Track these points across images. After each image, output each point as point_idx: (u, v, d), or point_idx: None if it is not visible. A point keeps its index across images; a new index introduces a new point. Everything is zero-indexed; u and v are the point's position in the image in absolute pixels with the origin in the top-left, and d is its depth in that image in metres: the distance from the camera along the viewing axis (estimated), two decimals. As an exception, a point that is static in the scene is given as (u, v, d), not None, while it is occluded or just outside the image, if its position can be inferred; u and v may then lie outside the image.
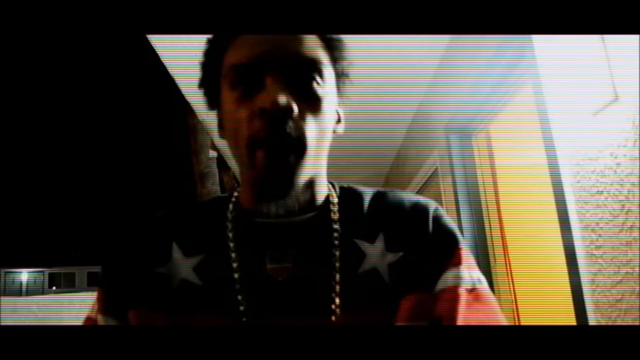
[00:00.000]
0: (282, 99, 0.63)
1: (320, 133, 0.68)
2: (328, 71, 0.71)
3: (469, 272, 0.71)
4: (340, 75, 0.77)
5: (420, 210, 0.76)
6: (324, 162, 0.75)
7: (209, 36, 0.75)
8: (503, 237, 2.48)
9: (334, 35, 0.74)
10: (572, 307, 1.40)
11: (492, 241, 2.47)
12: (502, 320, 0.68)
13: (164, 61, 2.72)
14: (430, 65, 2.81)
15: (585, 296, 1.33)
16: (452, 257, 0.71)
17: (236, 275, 0.69)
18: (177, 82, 3.02)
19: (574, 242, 1.36)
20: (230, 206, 0.76)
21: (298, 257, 0.70)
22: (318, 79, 0.68)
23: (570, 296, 1.41)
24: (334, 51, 0.74)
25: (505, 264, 2.45)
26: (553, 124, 1.46)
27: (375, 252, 0.71)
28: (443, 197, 2.84)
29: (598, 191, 1.25)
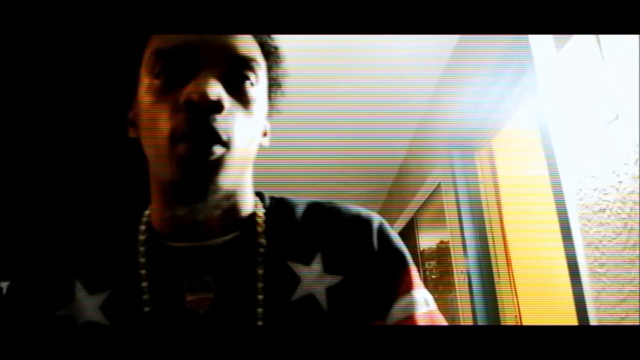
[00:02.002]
0: (213, 91, 0.55)
1: (248, 136, 0.61)
2: (262, 74, 0.65)
3: (421, 294, 0.66)
4: (272, 83, 0.70)
5: (362, 225, 0.68)
6: (249, 171, 0.68)
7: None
8: (507, 254, 2.47)
9: (271, 42, 0.69)
10: (577, 324, 1.40)
11: (496, 258, 2.46)
12: None
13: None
14: (431, 82, 2.83)
15: (589, 314, 1.32)
16: (402, 281, 0.66)
17: (146, 309, 0.61)
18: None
19: (577, 259, 1.36)
20: (142, 227, 0.67)
21: (220, 286, 0.62)
22: (253, 79, 0.62)
23: (575, 314, 1.40)
24: (270, 57, 0.69)
25: (509, 280, 2.44)
26: (555, 141, 1.46)
27: (311, 275, 0.63)
28: (446, 213, 2.83)
29: (601, 209, 1.25)
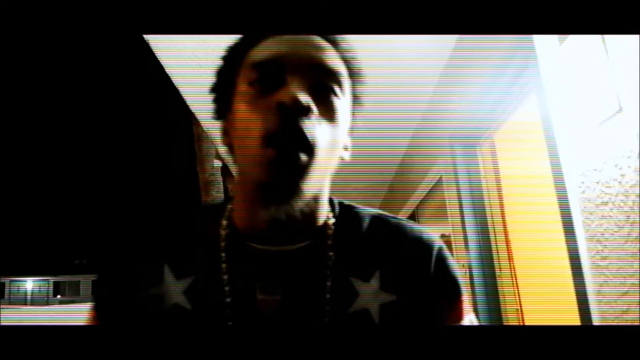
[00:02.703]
0: (303, 96, 0.60)
1: (332, 144, 0.65)
2: (347, 89, 0.70)
3: (468, 320, 0.72)
4: (355, 101, 0.75)
5: (422, 248, 0.72)
6: (328, 180, 0.71)
7: (230, 41, 0.72)
8: (508, 247, 2.47)
9: (355, 63, 0.74)
10: (578, 319, 1.40)
11: (498, 251, 2.47)
12: None
13: (168, 71, 2.74)
14: (434, 74, 2.82)
15: (591, 307, 1.32)
16: (454, 309, 0.71)
17: (228, 300, 0.66)
18: (182, 91, 3.03)
19: (579, 252, 1.36)
20: (224, 222, 0.72)
21: (288, 290, 0.66)
22: (338, 91, 0.67)
23: (576, 307, 1.40)
24: (354, 75, 0.73)
25: (511, 273, 2.44)
26: (557, 135, 1.46)
27: (368, 292, 0.68)
28: (448, 206, 2.84)
29: (603, 202, 1.25)
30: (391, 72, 2.78)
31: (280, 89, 0.62)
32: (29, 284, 38.16)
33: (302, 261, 0.68)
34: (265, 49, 0.66)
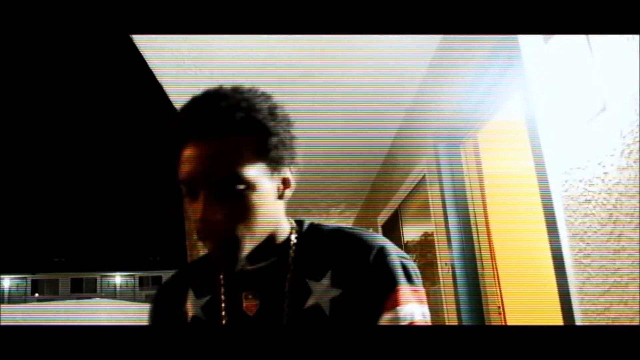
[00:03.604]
0: (208, 210, 0.78)
1: (253, 218, 0.81)
2: (253, 171, 0.80)
3: (407, 310, 0.80)
4: (272, 160, 0.84)
5: (364, 249, 0.85)
6: (274, 223, 0.88)
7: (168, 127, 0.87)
8: (491, 245, 2.48)
9: (274, 121, 0.83)
10: (560, 316, 1.41)
11: (480, 249, 2.48)
12: None
13: (153, 69, 2.70)
14: (419, 73, 2.82)
15: (573, 304, 1.33)
16: (388, 299, 0.80)
17: (223, 313, 0.88)
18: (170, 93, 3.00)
19: (562, 250, 1.36)
20: None
21: (263, 296, 0.87)
22: (243, 187, 0.79)
23: (559, 304, 1.41)
24: (267, 142, 0.82)
25: (493, 272, 2.45)
26: (541, 133, 1.47)
27: (319, 289, 0.84)
28: (431, 205, 2.84)
29: (586, 200, 1.26)
30: (375, 72, 2.77)
31: (196, 202, 0.79)
32: (6, 281, 37.59)
33: (271, 273, 0.88)
34: (182, 166, 0.80)
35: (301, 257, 0.89)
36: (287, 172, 0.89)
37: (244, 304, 0.87)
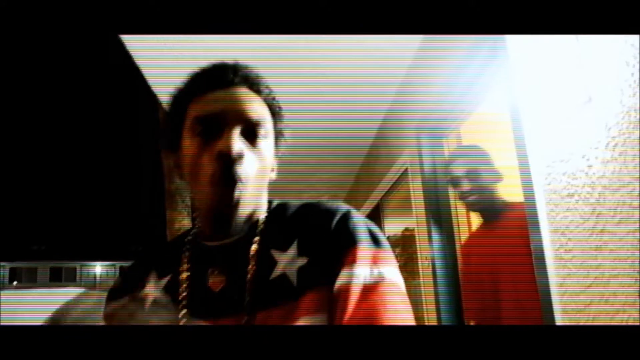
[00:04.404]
0: (236, 146, 0.78)
1: (260, 174, 0.84)
2: (270, 130, 0.88)
3: (367, 269, 0.76)
4: (278, 135, 0.92)
5: (328, 215, 0.85)
6: (262, 197, 0.90)
7: (174, 90, 0.89)
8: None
9: (276, 104, 0.91)
10: (540, 312, 1.38)
11: (461, 241, 2.45)
12: (403, 311, 0.72)
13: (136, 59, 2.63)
14: (403, 65, 2.79)
15: (553, 300, 1.30)
16: (346, 257, 0.78)
17: (184, 293, 0.84)
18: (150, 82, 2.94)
19: (543, 245, 1.33)
20: (193, 231, 0.94)
21: (229, 272, 0.84)
22: (263, 133, 0.84)
23: (539, 300, 1.38)
24: (276, 115, 0.91)
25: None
26: (525, 125, 1.43)
27: (285, 259, 0.82)
28: (412, 197, 2.81)
29: (569, 194, 1.23)
30: (359, 63, 2.73)
31: (220, 140, 0.79)
32: (-16, 269, 37.09)
33: (237, 249, 0.85)
34: (204, 106, 0.82)
35: (267, 231, 0.87)
36: (278, 158, 0.94)
37: (210, 281, 0.84)
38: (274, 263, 0.81)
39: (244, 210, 0.82)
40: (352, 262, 0.77)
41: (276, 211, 0.92)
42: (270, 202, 0.94)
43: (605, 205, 1.10)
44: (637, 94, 0.99)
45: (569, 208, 1.23)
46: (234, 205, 0.80)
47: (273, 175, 0.92)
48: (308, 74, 2.79)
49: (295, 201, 0.94)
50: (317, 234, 0.82)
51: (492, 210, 2.02)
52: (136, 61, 2.72)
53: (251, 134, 0.83)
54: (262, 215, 0.90)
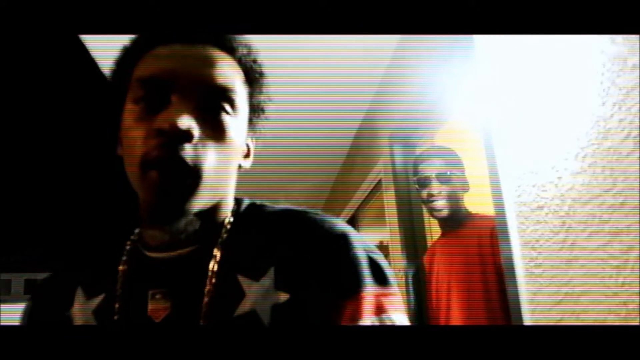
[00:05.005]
0: (183, 121, 0.58)
1: (221, 164, 0.63)
2: (242, 102, 0.67)
3: (374, 320, 0.59)
4: (255, 109, 0.73)
5: (320, 237, 0.64)
6: (224, 194, 0.70)
7: (125, 44, 0.69)
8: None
9: (257, 69, 0.72)
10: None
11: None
12: None
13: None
14: (377, 74, 2.76)
15: (524, 316, 1.26)
16: (346, 306, 0.59)
17: (116, 317, 0.64)
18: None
19: (514, 259, 1.29)
20: (132, 237, 0.72)
21: (176, 296, 0.63)
22: (228, 108, 0.64)
23: (509, 315, 1.34)
24: (253, 83, 0.71)
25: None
26: (495, 136, 1.39)
27: (256, 291, 0.61)
28: (386, 207, 2.77)
29: (539, 206, 1.19)
30: (333, 72, 2.70)
31: (164, 111, 0.60)
32: (-44, 282, 36.28)
33: (189, 264, 0.65)
34: (151, 64, 0.63)
35: (233, 246, 0.66)
36: (251, 140, 0.75)
37: (150, 307, 0.63)
38: (240, 293, 0.61)
39: (192, 209, 0.61)
40: (355, 315, 0.58)
41: (247, 216, 0.70)
42: (238, 201, 0.73)
43: (575, 218, 1.06)
44: (606, 103, 0.96)
45: (538, 221, 1.19)
46: (175, 200, 0.59)
47: (246, 163, 0.73)
48: (282, 84, 2.75)
49: (272, 205, 0.73)
50: (303, 263, 0.62)
51: (453, 219, 1.96)
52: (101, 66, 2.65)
53: (210, 107, 0.63)
54: (225, 218, 0.69)
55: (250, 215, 0.71)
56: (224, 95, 0.64)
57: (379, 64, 2.65)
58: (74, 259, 0.76)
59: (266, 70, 0.75)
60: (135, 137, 0.61)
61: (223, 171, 0.64)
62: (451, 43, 1.73)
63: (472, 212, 1.97)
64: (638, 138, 0.88)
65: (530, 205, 1.22)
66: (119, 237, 0.74)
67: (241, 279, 0.63)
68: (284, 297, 0.60)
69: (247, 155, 0.74)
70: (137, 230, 0.73)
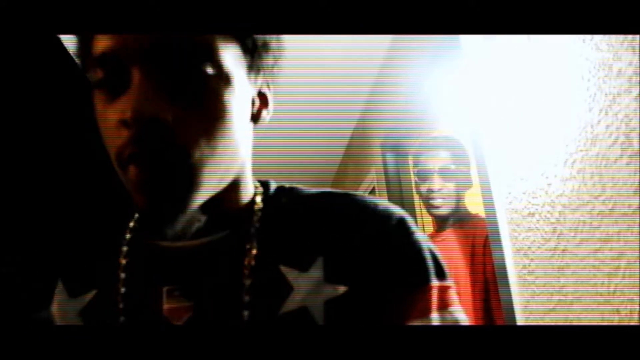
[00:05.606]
0: (148, 105, 0.46)
1: (217, 138, 0.50)
2: (228, 53, 0.52)
3: (440, 316, 0.54)
4: (253, 50, 0.57)
5: (379, 222, 0.56)
6: (240, 169, 0.58)
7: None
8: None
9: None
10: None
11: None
12: None
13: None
14: (367, 83, 2.76)
15: (518, 323, 1.25)
16: (416, 298, 0.53)
17: (122, 319, 0.53)
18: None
19: (507, 266, 1.28)
20: (131, 224, 0.60)
21: (202, 293, 0.53)
22: (208, 68, 0.50)
23: (503, 322, 1.33)
24: (254, 50, 0.57)
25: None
26: (485, 143, 1.39)
27: (306, 284, 0.52)
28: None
29: (530, 213, 1.18)
30: (325, 82, 2.69)
31: (124, 94, 0.48)
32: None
33: (218, 254, 0.55)
34: (106, 37, 0.49)
35: (270, 233, 0.56)
36: (266, 86, 0.62)
37: (166, 306, 0.52)
38: (287, 287, 0.52)
39: (192, 204, 0.49)
40: (425, 309, 0.52)
41: (279, 200, 0.61)
42: (264, 184, 0.64)
43: (566, 225, 1.05)
44: (593, 109, 0.96)
45: (530, 228, 1.18)
46: (165, 200, 0.48)
47: (265, 115, 0.62)
48: (277, 92, 2.73)
49: (307, 188, 0.64)
50: (358, 250, 0.54)
51: (450, 218, 1.83)
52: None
53: (184, 72, 0.49)
54: (250, 197, 0.60)
55: (283, 198, 0.61)
56: (197, 52, 0.49)
57: (369, 72, 2.65)
58: (51, 245, 0.61)
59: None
60: (104, 128, 0.50)
61: (223, 145, 0.51)
62: (439, 52, 1.73)
63: (472, 213, 1.86)
64: (625, 144, 0.88)
65: (522, 212, 1.22)
66: (113, 220, 0.62)
67: (285, 270, 0.53)
68: (338, 290, 0.52)
69: (263, 107, 0.62)
70: (137, 215, 0.62)
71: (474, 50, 1.43)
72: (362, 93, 2.89)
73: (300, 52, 2.33)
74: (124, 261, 0.56)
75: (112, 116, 0.48)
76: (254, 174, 0.63)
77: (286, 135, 3.26)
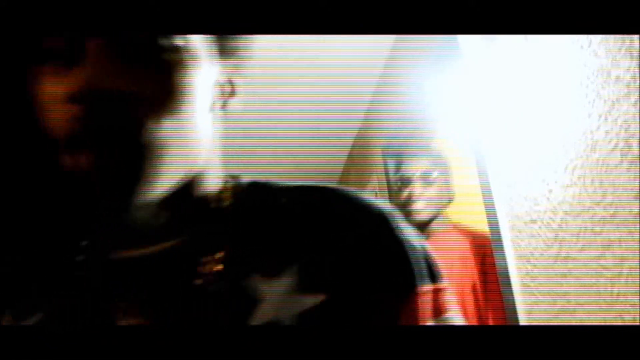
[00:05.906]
0: (101, 78, 0.41)
1: (178, 125, 0.45)
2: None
3: (432, 323, 0.48)
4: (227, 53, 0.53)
5: (361, 222, 0.49)
6: (206, 160, 0.51)
7: None
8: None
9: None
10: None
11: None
12: None
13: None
14: (368, 92, 2.76)
15: (522, 331, 1.25)
16: (404, 305, 0.47)
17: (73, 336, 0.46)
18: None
19: (510, 273, 1.28)
20: (86, 241, 0.53)
21: (157, 308, 0.46)
22: (174, 40, 0.44)
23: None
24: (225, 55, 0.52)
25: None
26: (486, 149, 1.39)
27: (277, 293, 0.45)
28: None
29: (531, 219, 1.18)
30: (325, 91, 2.69)
31: (75, 66, 0.42)
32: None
33: (178, 263, 0.48)
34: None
35: (238, 236, 0.50)
36: (237, 75, 0.55)
37: (119, 323, 0.47)
38: (255, 297, 0.45)
39: (149, 197, 0.44)
40: (418, 317, 0.46)
41: (250, 197, 0.54)
42: (235, 178, 0.56)
43: (568, 231, 1.05)
44: (592, 115, 0.96)
45: (532, 234, 1.19)
46: (117, 191, 0.43)
47: (233, 105, 0.55)
48: (274, 100, 2.74)
49: (283, 182, 0.56)
50: (338, 254, 0.47)
51: (432, 227, 1.85)
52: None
53: (144, 44, 0.44)
54: (216, 190, 0.53)
55: (255, 195, 0.54)
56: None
57: (369, 82, 2.66)
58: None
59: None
60: (48, 109, 0.44)
61: (185, 135, 0.46)
62: (439, 60, 1.73)
63: (456, 223, 1.88)
64: (625, 149, 0.88)
65: (524, 218, 1.22)
66: (65, 227, 0.56)
67: (253, 279, 0.46)
68: (315, 299, 0.45)
69: (232, 94, 0.55)
70: (92, 222, 0.55)
71: (474, 58, 1.44)
72: (363, 103, 2.89)
73: (301, 52, 2.34)
74: (79, 274, 0.51)
75: (59, 89, 0.42)
76: (254, 177, 0.58)
77: (288, 145, 3.27)
